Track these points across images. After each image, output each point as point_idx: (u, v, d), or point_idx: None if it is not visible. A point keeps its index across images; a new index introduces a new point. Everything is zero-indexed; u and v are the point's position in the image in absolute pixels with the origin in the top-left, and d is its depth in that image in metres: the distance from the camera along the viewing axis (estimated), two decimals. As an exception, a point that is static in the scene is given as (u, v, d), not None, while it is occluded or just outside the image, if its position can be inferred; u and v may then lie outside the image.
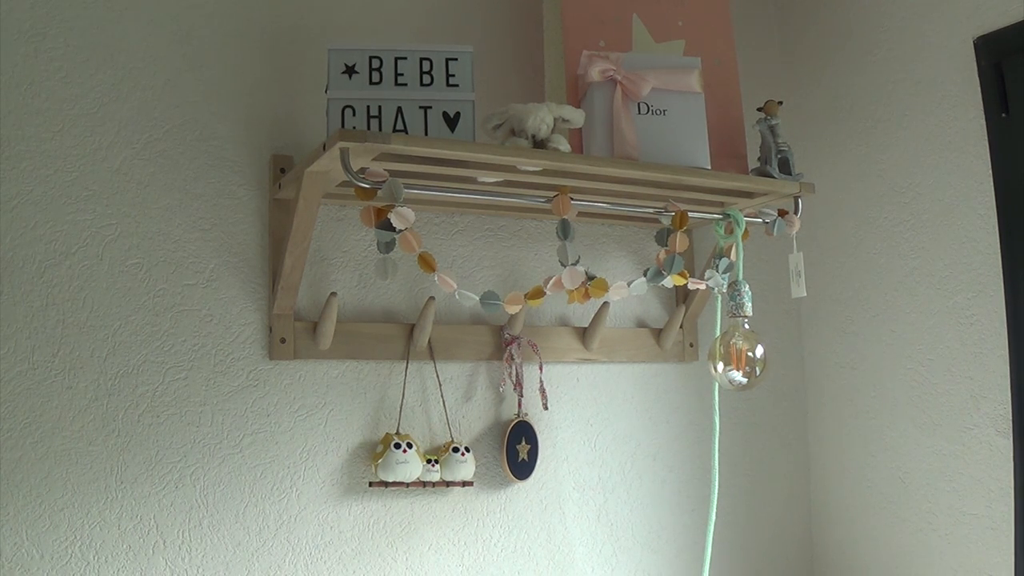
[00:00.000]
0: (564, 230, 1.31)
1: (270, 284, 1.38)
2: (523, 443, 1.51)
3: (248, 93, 1.40)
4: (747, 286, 1.40)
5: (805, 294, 1.50)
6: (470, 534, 1.49)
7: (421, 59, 1.23)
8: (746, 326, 1.40)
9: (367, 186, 1.16)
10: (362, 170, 1.17)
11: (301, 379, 1.39)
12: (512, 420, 1.51)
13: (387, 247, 1.19)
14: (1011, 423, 1.45)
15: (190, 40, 1.37)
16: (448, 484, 1.43)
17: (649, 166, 1.32)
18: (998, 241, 1.48)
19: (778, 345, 1.81)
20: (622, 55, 1.40)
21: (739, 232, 1.42)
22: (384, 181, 1.16)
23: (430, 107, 1.21)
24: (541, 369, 1.53)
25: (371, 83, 1.21)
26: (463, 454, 1.43)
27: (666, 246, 1.37)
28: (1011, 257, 1.46)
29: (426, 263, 1.21)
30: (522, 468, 1.50)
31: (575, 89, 1.41)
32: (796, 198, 1.46)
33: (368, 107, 1.20)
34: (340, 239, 1.44)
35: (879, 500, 1.68)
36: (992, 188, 1.49)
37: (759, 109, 1.48)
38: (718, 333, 1.43)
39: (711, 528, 1.47)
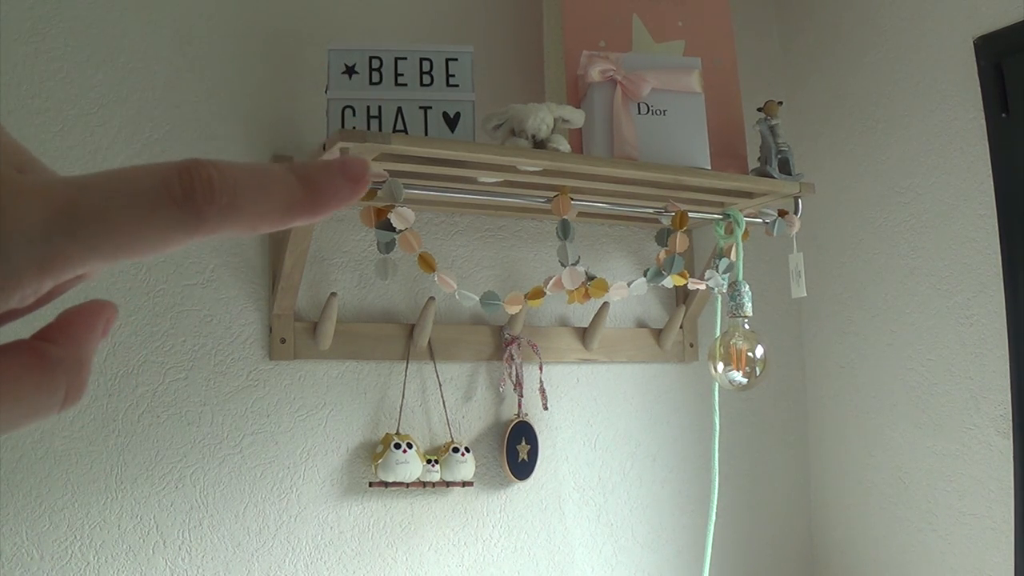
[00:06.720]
0: (564, 230, 1.31)
1: (270, 284, 1.38)
2: (523, 443, 1.50)
3: (248, 93, 1.40)
4: (747, 286, 1.40)
5: (805, 294, 1.50)
6: (470, 534, 1.49)
7: (421, 59, 1.23)
8: (746, 326, 1.40)
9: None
10: (362, 170, 1.17)
11: (301, 379, 1.39)
12: (512, 420, 1.51)
13: (387, 247, 1.19)
14: (1011, 423, 1.45)
15: (190, 40, 1.37)
16: (448, 484, 1.43)
17: (649, 166, 1.32)
18: (998, 241, 1.48)
19: (778, 345, 1.81)
20: (622, 55, 1.40)
21: (739, 232, 1.42)
22: (384, 181, 1.16)
23: (430, 107, 1.21)
24: (541, 369, 1.53)
25: (371, 83, 1.21)
26: (463, 454, 1.43)
27: (666, 246, 1.37)
28: (1011, 257, 1.46)
29: (426, 263, 1.22)
30: (522, 468, 1.50)
31: (575, 89, 1.41)
32: (796, 198, 1.46)
33: (368, 107, 1.20)
34: (340, 239, 1.44)
35: (879, 500, 1.68)
36: (992, 188, 1.49)
37: (759, 109, 1.48)
38: (718, 333, 1.43)
39: (711, 528, 1.47)
